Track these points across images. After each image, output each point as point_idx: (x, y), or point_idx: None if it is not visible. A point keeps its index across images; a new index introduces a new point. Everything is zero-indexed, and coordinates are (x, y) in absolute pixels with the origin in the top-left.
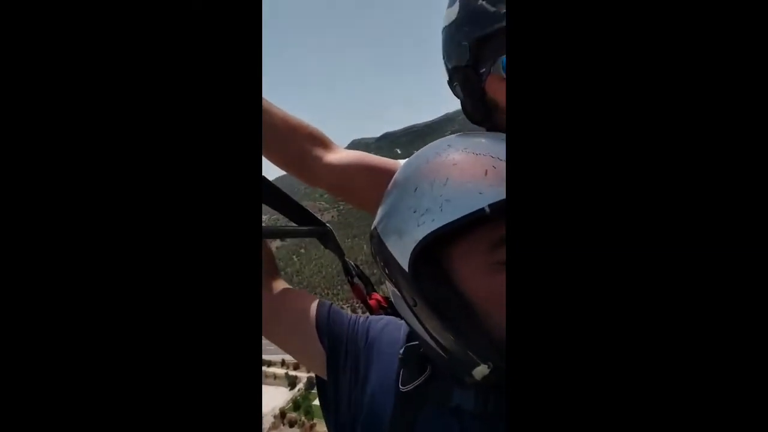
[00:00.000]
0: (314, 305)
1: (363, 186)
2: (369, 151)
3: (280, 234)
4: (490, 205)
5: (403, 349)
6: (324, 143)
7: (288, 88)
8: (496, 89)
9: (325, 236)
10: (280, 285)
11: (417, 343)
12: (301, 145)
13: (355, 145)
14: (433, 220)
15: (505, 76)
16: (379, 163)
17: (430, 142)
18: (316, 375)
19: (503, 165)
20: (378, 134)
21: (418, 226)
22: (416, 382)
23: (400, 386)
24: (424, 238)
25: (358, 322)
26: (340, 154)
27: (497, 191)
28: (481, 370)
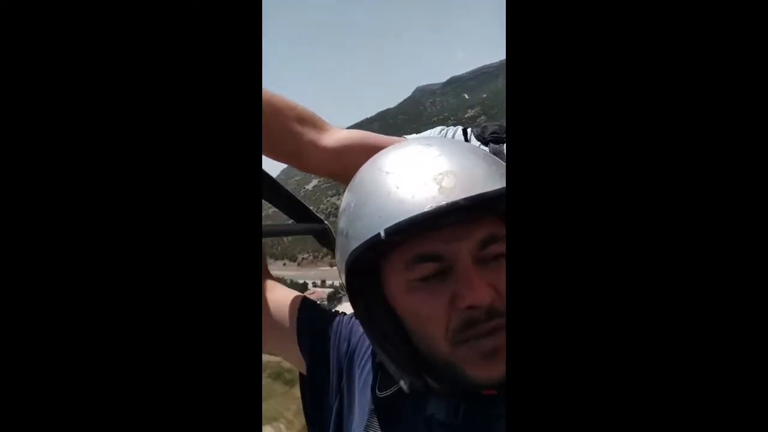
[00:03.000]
0: (296, 307)
1: None
2: (434, 98)
3: (277, 233)
4: (385, 230)
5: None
6: (317, 125)
7: (351, 39)
8: None
9: (323, 233)
10: (267, 283)
11: None
12: (291, 129)
13: (420, 91)
14: (346, 244)
15: None
16: (380, 142)
17: (502, 82)
18: (299, 373)
19: (410, 183)
20: (444, 79)
21: (343, 248)
22: (393, 389)
23: (377, 391)
24: (347, 260)
25: (341, 323)
26: (336, 136)
27: (396, 212)
28: (403, 385)
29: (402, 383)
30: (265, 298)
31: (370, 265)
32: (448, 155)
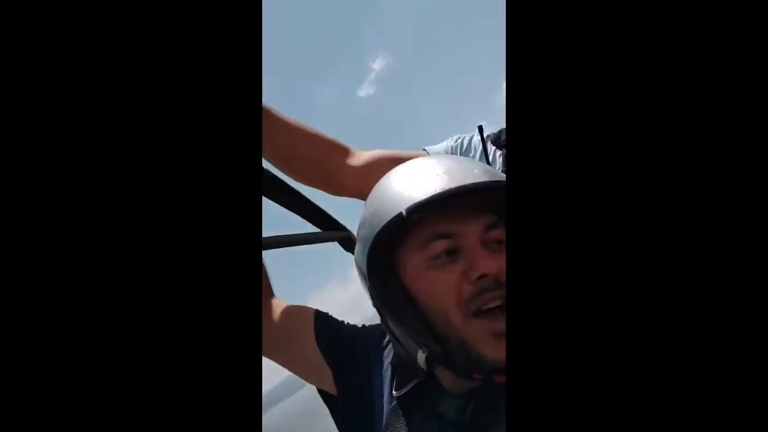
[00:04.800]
0: (311, 320)
1: None
2: None
3: (301, 241)
4: (406, 209)
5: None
6: (343, 150)
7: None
8: None
9: (347, 241)
10: (272, 302)
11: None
12: (322, 155)
13: None
14: (368, 235)
15: None
16: (405, 155)
17: None
18: (320, 390)
19: (421, 176)
20: None
21: (364, 240)
22: (407, 387)
23: (393, 391)
24: (369, 246)
25: (356, 331)
26: (362, 157)
27: (413, 196)
28: (420, 356)
29: (419, 355)
30: (275, 316)
31: (388, 252)
32: (449, 158)
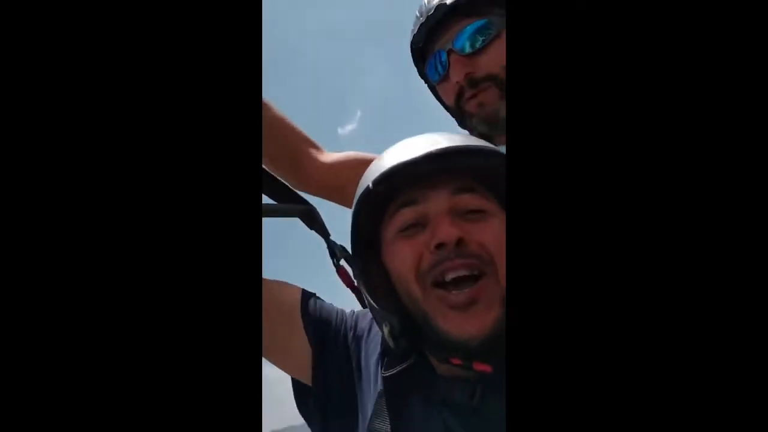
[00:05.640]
0: (297, 296)
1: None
2: None
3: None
4: (372, 181)
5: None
6: (315, 146)
7: None
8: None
9: (309, 215)
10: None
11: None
12: (296, 146)
13: None
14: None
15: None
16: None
17: None
18: (293, 380)
19: (394, 152)
20: None
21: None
22: (398, 368)
23: (382, 371)
24: (351, 222)
25: (345, 315)
26: (334, 155)
27: (383, 167)
28: (385, 331)
29: (384, 329)
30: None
31: (372, 229)
32: (432, 134)
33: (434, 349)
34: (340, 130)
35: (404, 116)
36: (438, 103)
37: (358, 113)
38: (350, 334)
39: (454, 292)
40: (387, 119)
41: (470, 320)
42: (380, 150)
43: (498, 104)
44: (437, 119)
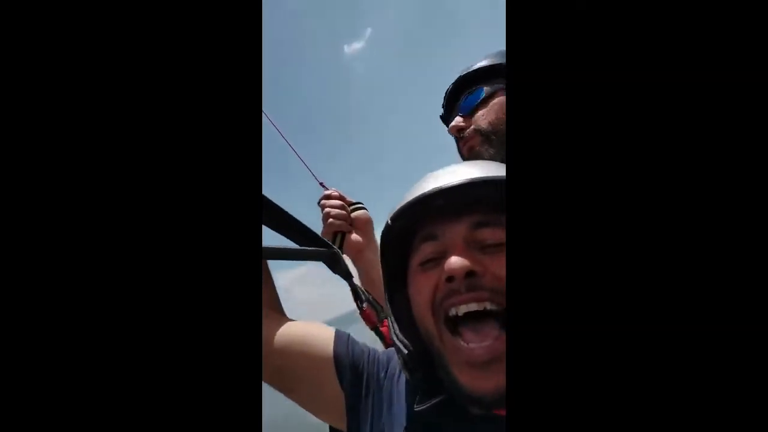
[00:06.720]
0: (330, 338)
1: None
2: None
3: (282, 255)
4: (390, 216)
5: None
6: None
7: None
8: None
9: (333, 258)
10: (283, 321)
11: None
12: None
13: None
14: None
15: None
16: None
17: None
18: (330, 427)
19: (429, 177)
20: None
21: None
22: (431, 402)
23: (414, 406)
24: (380, 254)
25: (377, 355)
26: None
27: (403, 200)
28: (401, 362)
29: (398, 358)
30: (291, 337)
31: (400, 263)
32: (457, 164)
33: (452, 394)
34: (346, 48)
35: (418, 41)
36: (449, 32)
37: (368, 31)
38: (382, 374)
39: (471, 345)
40: (397, 42)
41: (489, 379)
42: (380, 73)
43: (481, 148)
44: (454, 48)
